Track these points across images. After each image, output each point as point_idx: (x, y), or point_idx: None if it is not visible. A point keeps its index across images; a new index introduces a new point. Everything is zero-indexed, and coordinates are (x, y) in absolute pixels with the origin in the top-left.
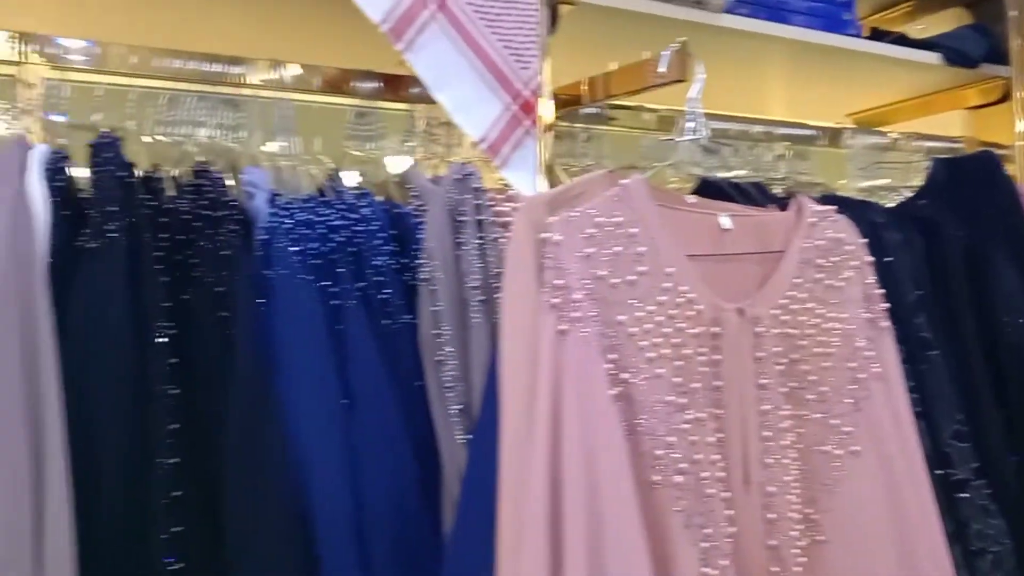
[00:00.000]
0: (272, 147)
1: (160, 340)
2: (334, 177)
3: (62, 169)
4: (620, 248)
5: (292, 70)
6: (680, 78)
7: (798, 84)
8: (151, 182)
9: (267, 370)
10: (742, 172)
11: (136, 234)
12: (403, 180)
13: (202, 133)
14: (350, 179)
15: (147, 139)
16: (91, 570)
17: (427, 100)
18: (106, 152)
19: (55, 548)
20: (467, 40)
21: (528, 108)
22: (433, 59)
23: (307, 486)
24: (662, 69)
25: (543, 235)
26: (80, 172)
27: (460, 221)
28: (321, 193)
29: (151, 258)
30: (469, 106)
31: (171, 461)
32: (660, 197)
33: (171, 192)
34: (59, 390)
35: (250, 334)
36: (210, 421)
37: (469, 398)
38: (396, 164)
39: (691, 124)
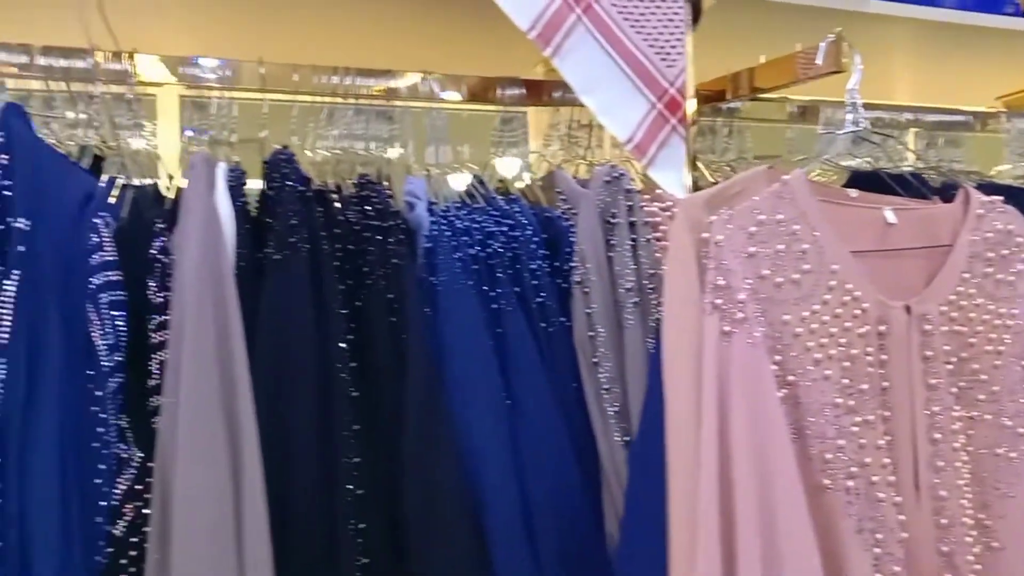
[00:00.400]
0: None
1: (341, 345)
2: (481, 183)
3: (243, 185)
4: (783, 246)
5: (439, 80)
6: (837, 69)
7: (928, 67)
8: (322, 195)
9: (437, 373)
10: (907, 163)
11: (315, 245)
12: (549, 183)
13: (358, 146)
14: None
15: (308, 153)
16: (285, 563)
17: (568, 103)
18: (283, 168)
19: (254, 542)
20: (612, 42)
21: (674, 106)
22: (580, 63)
23: (477, 485)
24: (819, 61)
25: (703, 235)
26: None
27: (612, 223)
28: (473, 199)
29: (330, 268)
30: (616, 107)
31: (355, 460)
32: (822, 192)
33: (338, 204)
34: (251, 393)
35: (421, 339)
36: (387, 422)
37: (625, 400)
38: (506, 167)
39: (851, 116)
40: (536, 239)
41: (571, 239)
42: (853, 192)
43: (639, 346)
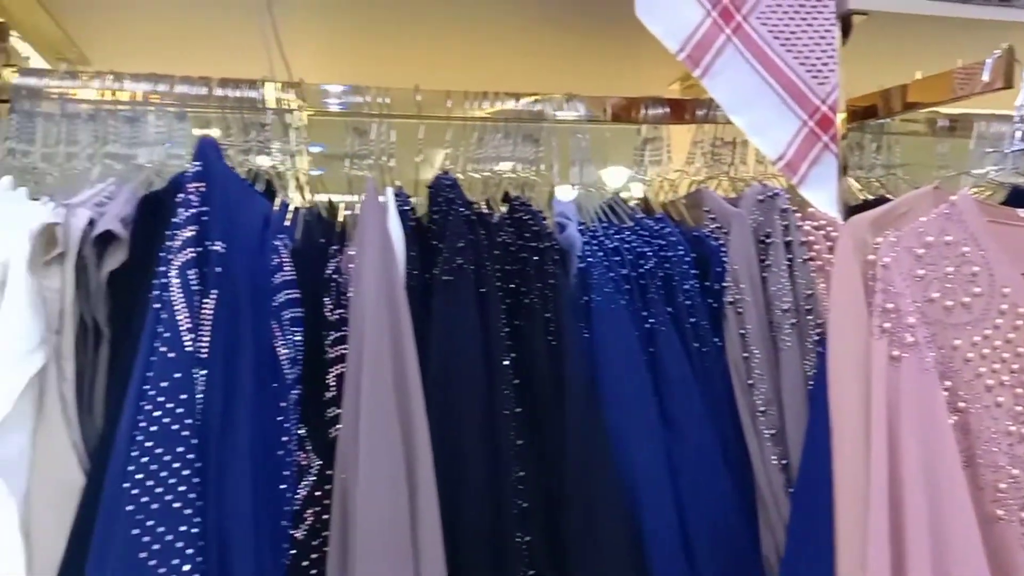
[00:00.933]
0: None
1: (505, 363)
2: (620, 202)
3: (411, 209)
4: (952, 268)
5: (583, 101)
6: (1006, 85)
7: None
8: (481, 217)
9: (595, 393)
10: None
11: (480, 266)
12: (696, 202)
13: (505, 167)
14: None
15: (459, 175)
16: (455, 570)
17: (711, 121)
18: (447, 192)
19: (429, 548)
20: (762, 60)
21: (826, 124)
22: (729, 82)
23: (634, 504)
24: (986, 77)
25: (870, 257)
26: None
27: (766, 243)
28: (618, 219)
29: (493, 288)
30: (766, 126)
31: (520, 473)
32: (990, 212)
33: (495, 225)
34: (424, 407)
35: (579, 359)
36: (546, 439)
37: (781, 422)
38: (616, 180)
39: (1020, 132)
40: (688, 259)
41: (722, 259)
42: (1022, 211)
43: (796, 368)
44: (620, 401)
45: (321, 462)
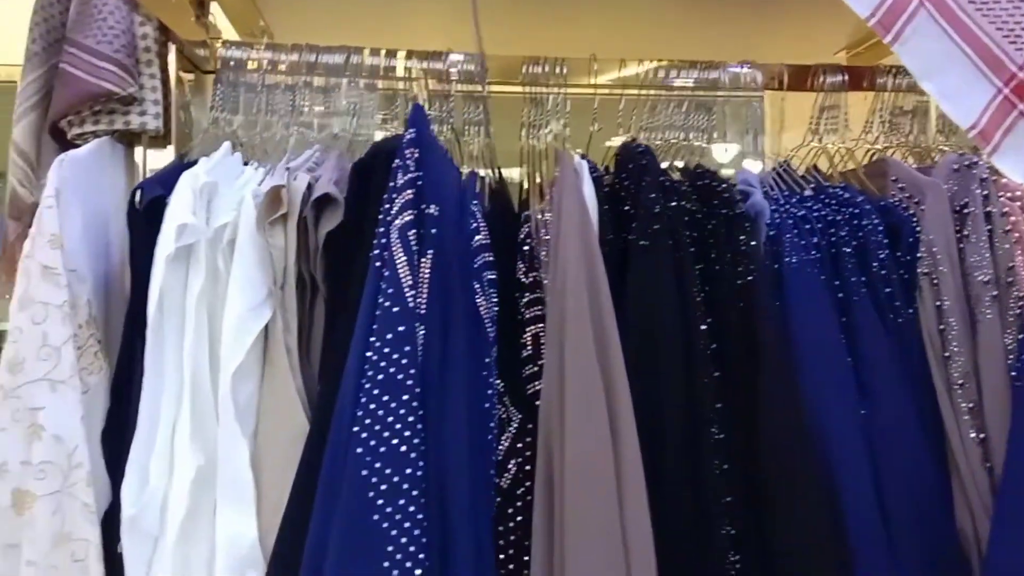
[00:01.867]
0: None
1: (703, 328)
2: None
3: (602, 176)
4: None
5: (758, 69)
6: None
7: None
8: (672, 183)
9: (790, 362)
10: None
11: (675, 231)
12: (879, 171)
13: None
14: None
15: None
16: (657, 526)
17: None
18: (639, 158)
19: (633, 502)
20: (956, 26)
21: (1022, 91)
22: (921, 48)
23: (831, 473)
24: None
25: None
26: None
27: (964, 213)
28: (789, 187)
29: (688, 254)
30: (958, 93)
31: (719, 436)
32: None
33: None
34: (624, 367)
35: (774, 326)
36: (744, 403)
37: (979, 395)
38: (723, 152)
39: None
40: (881, 228)
41: (914, 229)
42: None
43: (996, 341)
44: (816, 371)
45: (521, 415)
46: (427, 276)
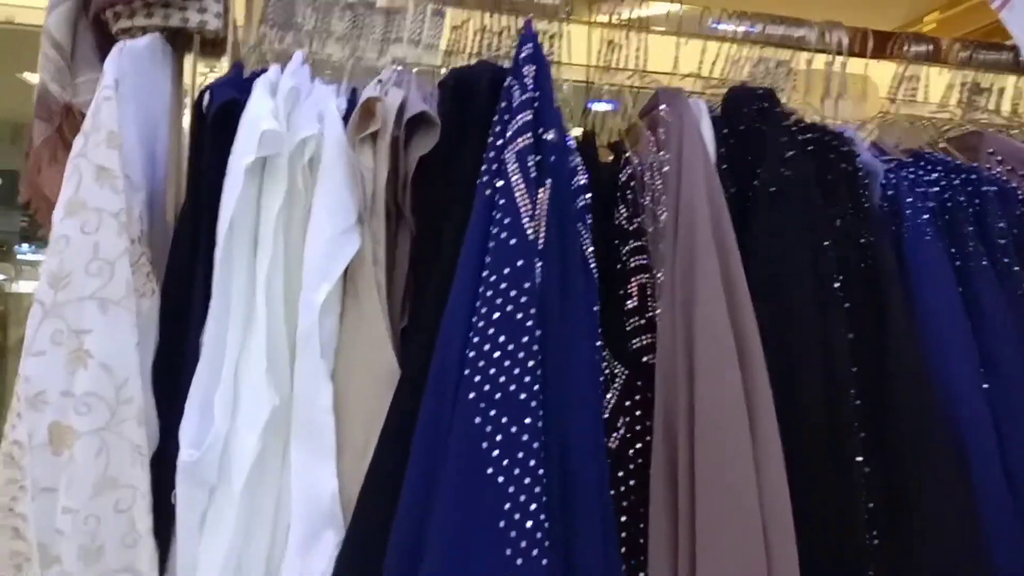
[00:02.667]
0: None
1: (835, 285)
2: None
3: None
4: None
5: (845, 32)
6: None
7: None
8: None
9: (915, 325)
10: None
11: (805, 180)
12: (969, 144)
13: None
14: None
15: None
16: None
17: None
18: (759, 102)
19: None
20: None
21: None
22: None
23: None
24: None
25: None
26: None
27: None
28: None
29: (818, 204)
30: None
31: (856, 403)
32: None
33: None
34: (755, 322)
35: (898, 286)
36: (874, 365)
37: None
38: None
39: None
40: (997, 198)
41: (1020, 199)
42: None
43: None
44: (938, 341)
45: (628, 372)
46: (545, 207)
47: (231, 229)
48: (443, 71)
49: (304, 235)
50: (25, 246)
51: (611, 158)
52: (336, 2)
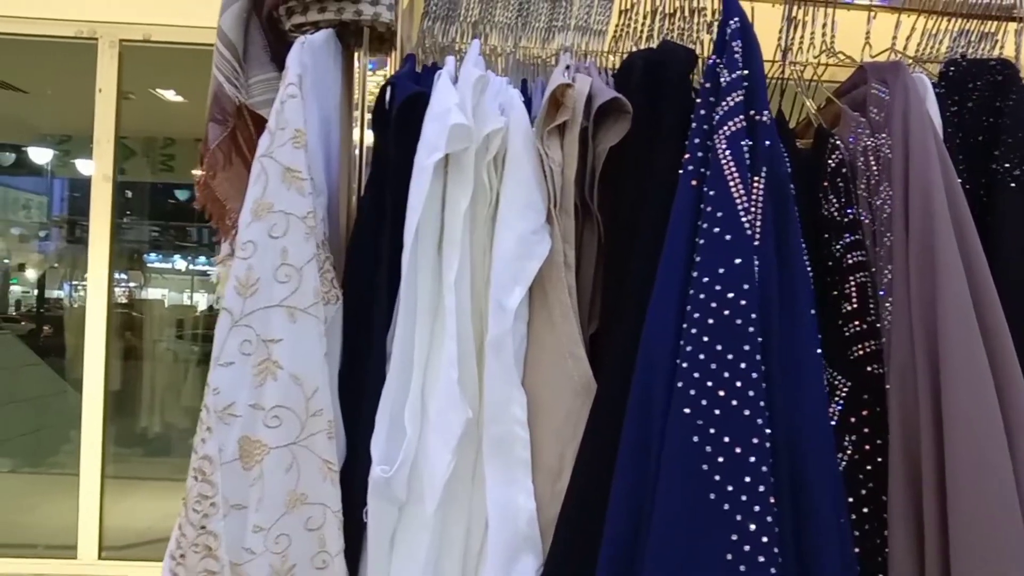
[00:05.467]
0: None
1: None
2: None
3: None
4: None
5: None
6: None
7: None
8: None
9: None
10: None
11: None
12: None
13: None
14: None
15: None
16: None
17: None
18: (995, 73)
19: None
20: None
21: None
22: None
23: None
24: None
25: None
26: None
27: None
28: None
29: None
30: None
31: None
32: None
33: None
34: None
35: None
36: None
37: None
38: None
39: None
40: None
41: None
42: None
43: None
44: None
45: (850, 383)
46: (760, 198)
47: (417, 229)
48: (611, 58)
49: (490, 235)
50: (153, 255)
51: (809, 142)
52: None
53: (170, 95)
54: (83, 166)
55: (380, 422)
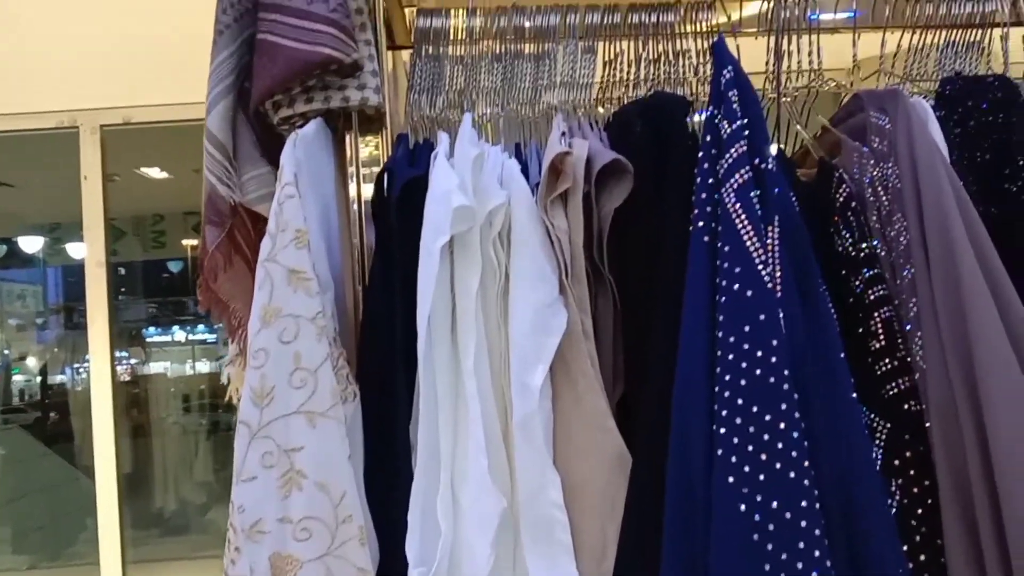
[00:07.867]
0: None
1: None
2: None
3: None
4: None
5: None
6: None
7: None
8: None
9: None
10: None
11: None
12: None
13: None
14: None
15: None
16: None
17: None
18: (996, 91)
19: None
20: None
21: None
22: None
23: None
24: None
25: None
26: None
27: None
28: None
29: None
30: None
31: None
32: None
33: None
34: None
35: None
36: None
37: None
38: None
39: None
40: None
41: None
42: None
43: None
44: None
45: (889, 424)
46: (776, 249)
47: (431, 316)
48: (600, 109)
49: (502, 312)
50: (152, 329)
51: (808, 171)
52: (484, 56)
53: (155, 172)
54: (74, 250)
55: (412, 520)
